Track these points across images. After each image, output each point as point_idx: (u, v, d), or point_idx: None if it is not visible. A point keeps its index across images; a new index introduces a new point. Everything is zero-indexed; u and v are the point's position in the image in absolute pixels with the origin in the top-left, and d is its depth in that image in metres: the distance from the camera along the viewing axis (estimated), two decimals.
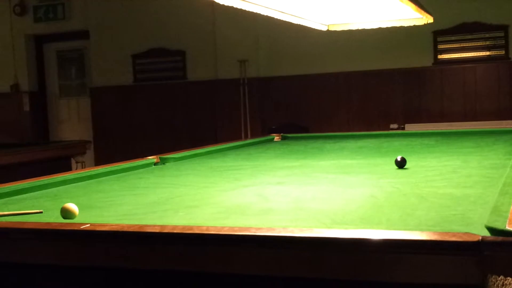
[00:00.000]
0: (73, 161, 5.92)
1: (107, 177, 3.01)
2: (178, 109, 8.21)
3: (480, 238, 1.34)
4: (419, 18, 3.83)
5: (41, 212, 2.01)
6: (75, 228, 1.67)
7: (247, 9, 3.03)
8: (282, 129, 6.29)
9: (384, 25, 4.06)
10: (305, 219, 1.83)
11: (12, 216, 1.96)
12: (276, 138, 5.10)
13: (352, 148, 4.15)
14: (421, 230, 1.50)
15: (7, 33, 8.97)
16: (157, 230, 1.60)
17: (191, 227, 1.61)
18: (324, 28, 4.17)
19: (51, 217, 1.94)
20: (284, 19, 3.55)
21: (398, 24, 4.02)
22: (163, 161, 3.53)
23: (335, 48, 7.36)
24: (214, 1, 2.65)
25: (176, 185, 2.67)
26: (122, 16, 8.37)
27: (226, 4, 2.71)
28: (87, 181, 2.89)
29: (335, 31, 4.26)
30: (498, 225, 1.44)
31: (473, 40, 6.98)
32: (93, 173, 3.03)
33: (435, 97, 7.17)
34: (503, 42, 6.87)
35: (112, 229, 1.65)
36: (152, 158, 3.50)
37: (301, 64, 7.64)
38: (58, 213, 1.93)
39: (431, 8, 3.79)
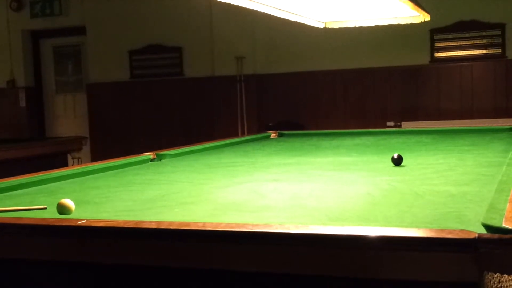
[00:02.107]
0: (69, 157, 5.91)
1: (104, 173, 3.01)
2: (175, 105, 8.20)
3: (477, 235, 1.34)
4: (416, 16, 3.83)
5: (45, 208, 2.00)
6: (71, 224, 1.67)
7: (244, 6, 3.03)
8: (279, 126, 6.29)
9: (381, 23, 4.06)
10: (301, 216, 1.83)
11: (9, 212, 1.96)
12: (273, 135, 5.10)
13: (348, 146, 4.15)
14: (417, 227, 1.50)
15: (3, 29, 8.94)
16: (153, 226, 1.60)
17: (187, 224, 1.61)
18: (321, 26, 4.17)
19: (47, 213, 1.94)
20: (281, 16, 3.54)
21: (395, 22, 4.02)
22: (159, 158, 3.53)
23: (332, 45, 7.36)
24: None
25: (172, 182, 2.67)
26: (119, 12, 8.35)
27: (223, 1, 2.70)
28: (83, 177, 2.89)
29: (332, 29, 4.26)
30: (495, 222, 1.44)
31: (470, 39, 6.98)
32: (89, 169, 3.02)
33: (431, 95, 7.17)
34: (500, 41, 6.88)
35: (108, 225, 1.65)
36: (148, 155, 3.49)
37: (298, 61, 7.63)
38: (54, 208, 1.93)
39: (428, 6, 3.79)
